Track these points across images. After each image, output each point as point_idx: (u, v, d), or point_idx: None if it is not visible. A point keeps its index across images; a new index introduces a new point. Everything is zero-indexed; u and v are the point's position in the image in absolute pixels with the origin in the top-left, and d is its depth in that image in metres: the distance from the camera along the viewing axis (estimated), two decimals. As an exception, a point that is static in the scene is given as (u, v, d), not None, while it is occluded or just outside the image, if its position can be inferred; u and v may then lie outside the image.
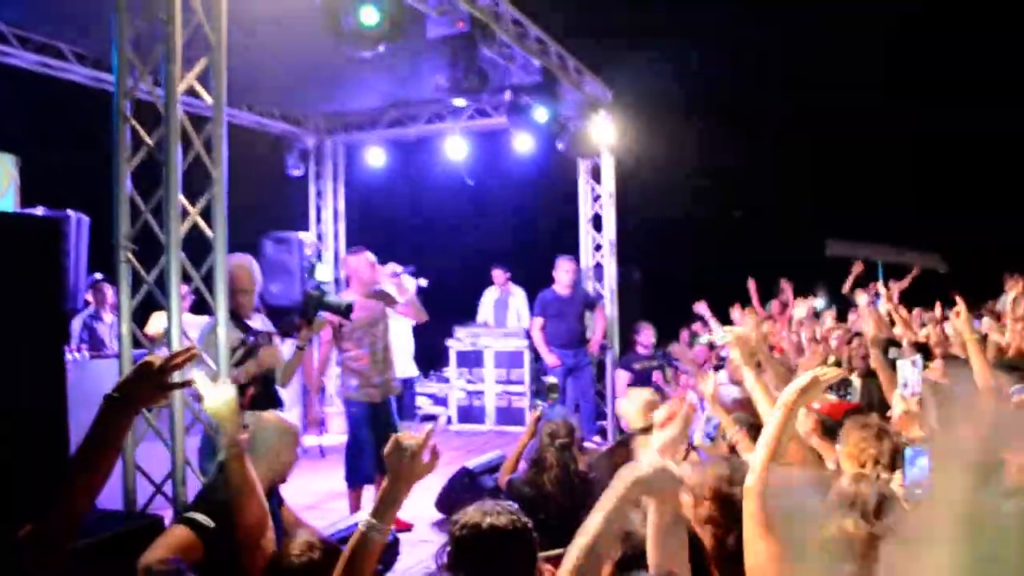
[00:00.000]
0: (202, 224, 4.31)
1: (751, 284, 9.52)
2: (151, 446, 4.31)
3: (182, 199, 4.21)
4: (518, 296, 11.06)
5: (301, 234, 10.46)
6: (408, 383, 8.44)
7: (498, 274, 11.04)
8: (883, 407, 4.52)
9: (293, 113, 10.93)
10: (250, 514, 2.94)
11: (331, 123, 11.43)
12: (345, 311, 4.92)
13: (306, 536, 2.79)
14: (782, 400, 2.41)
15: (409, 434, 2.28)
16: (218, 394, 3.05)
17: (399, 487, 2.25)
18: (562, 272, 9.39)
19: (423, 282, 8.68)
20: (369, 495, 6.39)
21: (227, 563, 2.91)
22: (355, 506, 6.34)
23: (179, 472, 4.16)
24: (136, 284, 4.34)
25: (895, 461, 2.96)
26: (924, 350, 5.83)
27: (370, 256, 6.63)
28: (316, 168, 11.62)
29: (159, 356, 2.16)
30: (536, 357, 10.62)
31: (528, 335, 10.52)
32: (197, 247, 4.37)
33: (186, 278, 4.33)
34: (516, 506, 2.51)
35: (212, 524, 2.93)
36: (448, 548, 2.41)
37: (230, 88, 4.49)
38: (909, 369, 3.04)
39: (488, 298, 11.16)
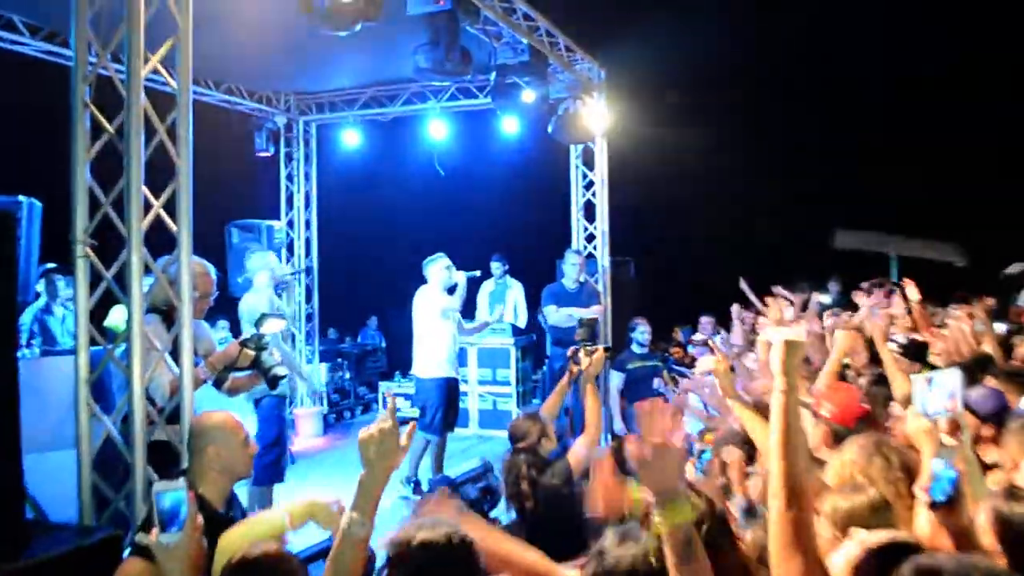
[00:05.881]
0: (166, 218, 4.37)
1: (744, 285, 9.55)
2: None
3: (145, 191, 4.26)
4: (515, 289, 11.02)
5: (270, 221, 10.65)
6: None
7: (496, 265, 10.99)
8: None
9: (263, 91, 10.95)
10: None
11: (303, 102, 11.47)
12: (270, 381, 4.87)
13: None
14: (778, 381, 2.28)
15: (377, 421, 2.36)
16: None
17: (374, 475, 2.34)
18: (569, 265, 9.36)
19: (476, 273, 8.67)
20: None
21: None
22: None
23: (140, 484, 4.19)
24: (94, 280, 4.38)
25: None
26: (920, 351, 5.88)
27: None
28: (287, 150, 11.66)
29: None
30: (523, 355, 10.65)
31: (516, 331, 10.56)
32: (159, 240, 4.41)
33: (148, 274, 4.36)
34: (454, 521, 2.50)
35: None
36: (385, 569, 2.46)
37: (195, 63, 4.54)
38: (922, 385, 2.94)
39: (484, 290, 11.03)
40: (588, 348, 5.44)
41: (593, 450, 4.83)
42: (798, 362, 2.31)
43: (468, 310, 11.15)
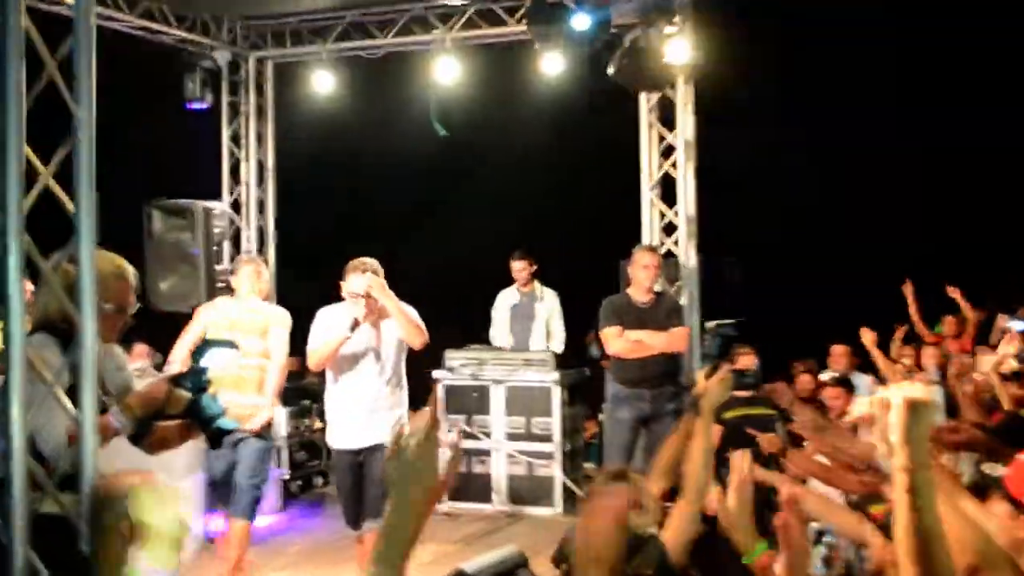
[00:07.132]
0: (59, 193, 4.32)
1: (907, 290, 9.41)
2: None
3: (28, 153, 4.22)
4: (548, 301, 10.85)
5: (207, 202, 10.62)
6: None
7: (520, 267, 10.83)
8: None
9: (197, 14, 10.93)
10: None
11: (256, 31, 11.48)
12: (213, 437, 4.81)
13: None
14: (897, 457, 2.26)
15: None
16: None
17: (402, 508, 2.18)
18: (638, 268, 8.97)
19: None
20: None
21: None
22: None
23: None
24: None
25: None
26: None
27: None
28: (232, 99, 11.69)
29: None
30: (572, 397, 10.49)
31: (562, 362, 10.40)
32: (49, 226, 4.38)
33: (33, 274, 4.33)
34: None
35: None
36: None
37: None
38: None
39: (503, 303, 10.97)
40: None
41: (695, 522, 4.73)
42: (927, 430, 2.27)
43: (476, 332, 11.04)
